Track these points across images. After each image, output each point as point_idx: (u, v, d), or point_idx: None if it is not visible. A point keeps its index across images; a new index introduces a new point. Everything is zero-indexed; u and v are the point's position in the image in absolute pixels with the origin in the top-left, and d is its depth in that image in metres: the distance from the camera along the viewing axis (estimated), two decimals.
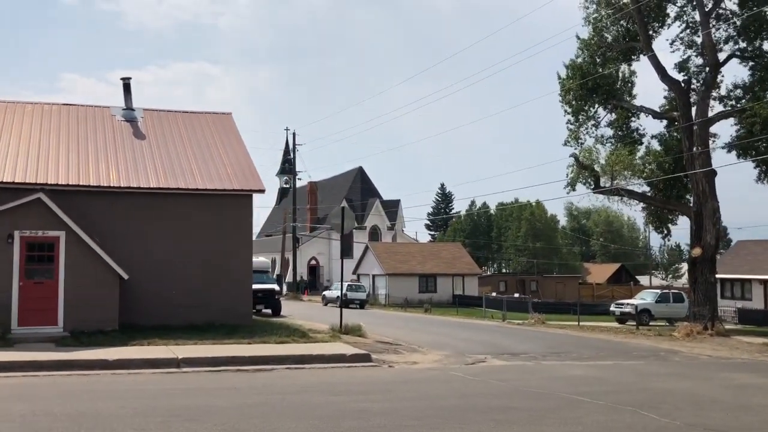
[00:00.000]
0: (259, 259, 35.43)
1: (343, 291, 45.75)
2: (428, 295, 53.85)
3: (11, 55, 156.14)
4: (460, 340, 21.53)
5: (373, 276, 56.52)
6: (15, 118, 20.82)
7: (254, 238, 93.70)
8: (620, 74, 31.57)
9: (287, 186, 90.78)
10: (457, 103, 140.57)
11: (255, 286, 31.46)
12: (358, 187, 71.62)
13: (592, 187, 29.00)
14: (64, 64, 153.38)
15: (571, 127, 31.70)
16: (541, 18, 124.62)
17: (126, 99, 22.74)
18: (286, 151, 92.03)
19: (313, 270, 69.98)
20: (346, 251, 69.79)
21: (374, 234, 70.14)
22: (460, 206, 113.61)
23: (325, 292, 50.75)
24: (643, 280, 79.84)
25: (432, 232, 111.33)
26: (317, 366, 14.92)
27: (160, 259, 19.30)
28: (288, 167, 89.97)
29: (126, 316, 18.40)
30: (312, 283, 67.67)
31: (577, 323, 30.25)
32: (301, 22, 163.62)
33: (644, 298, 37.27)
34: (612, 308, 37.70)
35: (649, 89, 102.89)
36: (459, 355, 17.59)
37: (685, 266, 55.67)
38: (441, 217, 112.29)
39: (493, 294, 46.44)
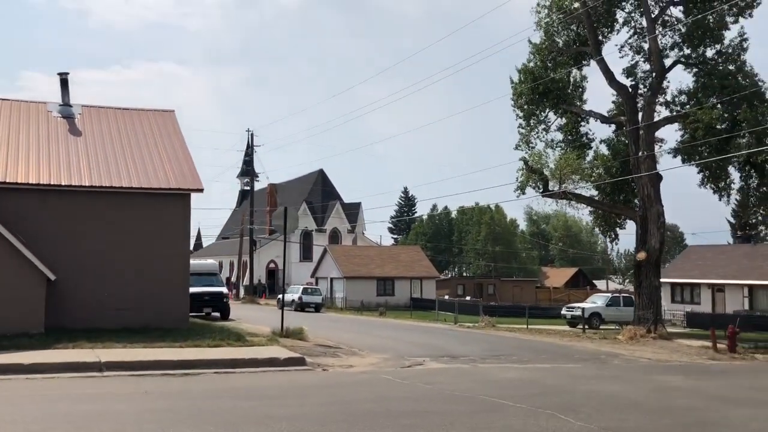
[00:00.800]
0: (208, 262, 34.82)
1: (299, 294, 45.60)
2: (386, 298, 53.65)
3: None
4: (403, 343, 21.30)
5: (332, 279, 56.11)
6: None
7: (213, 240, 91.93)
8: (572, 79, 31.73)
9: (248, 188, 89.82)
10: (422, 107, 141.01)
11: (202, 289, 31.15)
12: (319, 190, 71.08)
13: (540, 190, 29.07)
14: (25, 62, 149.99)
15: (522, 131, 31.75)
16: (504, 20, 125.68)
17: (63, 94, 22.10)
18: (247, 153, 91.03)
19: (272, 273, 69.21)
20: (305, 253, 69.34)
21: (334, 237, 69.68)
22: (423, 209, 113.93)
23: (280, 296, 50.15)
24: (601, 284, 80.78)
25: (395, 236, 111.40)
26: (248, 370, 14.51)
27: (93, 260, 18.71)
28: (246, 169, 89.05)
29: (56, 318, 17.79)
30: (271, 287, 66.92)
31: (526, 326, 30.27)
32: (269, 24, 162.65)
33: (595, 302, 37.56)
34: (563, 312, 37.93)
35: (602, 94, 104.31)
36: (398, 358, 17.34)
37: None
38: (404, 218, 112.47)
39: (446, 297, 46.39)
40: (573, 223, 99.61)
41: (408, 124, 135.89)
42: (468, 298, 48.89)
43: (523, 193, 30.48)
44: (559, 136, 31.31)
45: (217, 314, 30.40)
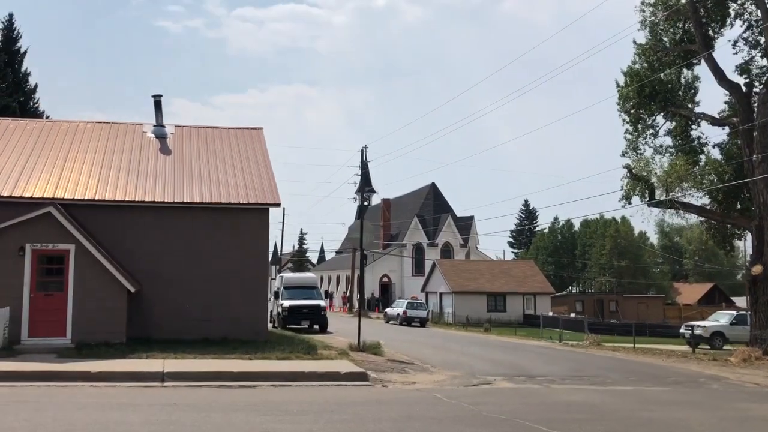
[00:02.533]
0: (307, 275, 35.45)
1: (403, 309, 45.44)
2: (497, 314, 52.29)
3: (126, 82, 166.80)
4: (484, 361, 20.46)
5: (441, 294, 55.52)
6: (48, 137, 21.66)
7: (334, 254, 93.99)
8: (682, 80, 29.62)
9: (365, 203, 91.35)
10: (546, 116, 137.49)
11: (301, 302, 31.79)
12: (431, 204, 70.83)
13: (647, 199, 27.17)
14: (173, 90, 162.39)
15: (629, 137, 29.96)
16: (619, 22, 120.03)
17: (157, 116, 23.22)
18: (364, 170, 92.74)
19: (386, 287, 69.60)
20: (417, 267, 69.13)
21: (446, 251, 69.04)
22: (544, 221, 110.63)
23: (387, 310, 50.29)
24: (741, 301, 74.50)
25: (515, 250, 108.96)
26: (304, 384, 14.38)
27: (176, 273, 19.38)
28: (361, 185, 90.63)
29: (140, 329, 18.57)
30: (384, 301, 67.32)
31: (633, 345, 28.26)
32: (396, 41, 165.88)
33: (717, 320, 34.61)
34: (682, 330, 35.24)
35: (717, 95, 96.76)
36: (469, 376, 16.63)
37: None
38: (524, 229, 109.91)
39: (551, 313, 44.47)
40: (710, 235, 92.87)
41: (527, 129, 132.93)
42: (573, 315, 46.65)
43: (629, 203, 28.73)
44: (669, 141, 29.22)
45: (317, 327, 30.86)
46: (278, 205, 20.32)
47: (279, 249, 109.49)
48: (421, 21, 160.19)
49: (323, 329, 30.91)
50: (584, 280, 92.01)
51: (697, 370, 20.24)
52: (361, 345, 20.24)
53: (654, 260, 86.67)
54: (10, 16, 43.66)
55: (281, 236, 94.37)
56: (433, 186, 73.22)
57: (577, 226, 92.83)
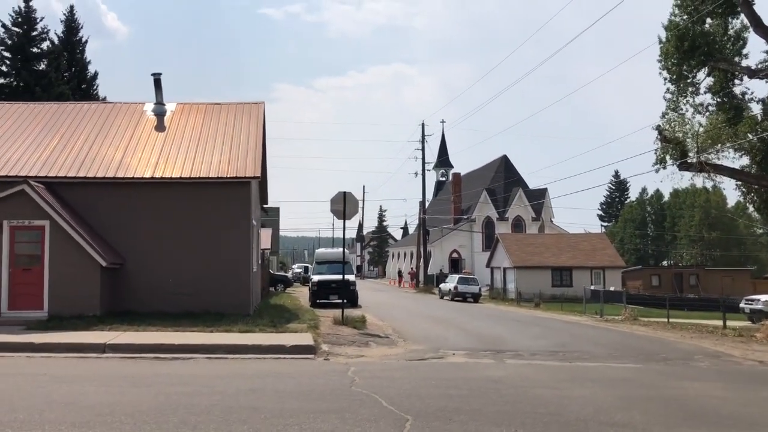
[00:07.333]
0: (337, 250, 35.23)
1: (455, 284, 44.55)
2: (563, 289, 50.33)
3: (229, 71, 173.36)
4: (468, 336, 19.61)
5: (504, 269, 54.03)
6: (51, 118, 22.47)
7: (410, 232, 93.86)
8: (730, 31, 27.00)
9: (443, 179, 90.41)
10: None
11: (329, 277, 31.65)
12: (501, 177, 68.87)
13: (677, 162, 25.03)
14: (275, 75, 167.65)
15: (669, 96, 27.71)
16: None
17: (156, 94, 23.57)
18: (442, 144, 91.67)
19: (455, 263, 68.63)
20: (487, 242, 67.63)
21: (518, 225, 67.08)
22: (635, 194, 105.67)
23: (440, 285, 49.51)
24: None
25: (605, 223, 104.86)
26: (243, 357, 14.21)
27: (160, 248, 19.67)
28: (441, 161, 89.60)
29: (122, 303, 19.07)
30: None
31: (666, 320, 26.31)
32: (494, 12, 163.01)
33: None
34: (741, 305, 32.45)
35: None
36: (428, 350, 15.93)
37: None
38: (615, 198, 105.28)
39: (592, 287, 42.17)
40: None
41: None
42: (611, 288, 44.13)
43: (664, 168, 26.61)
44: (709, 98, 26.74)
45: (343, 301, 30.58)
46: (257, 178, 20.17)
47: (362, 225, 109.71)
48: None
49: (353, 304, 30.65)
50: (673, 253, 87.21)
51: (705, 347, 18.48)
52: (344, 319, 19.89)
53: (752, 231, 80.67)
54: (71, 8, 45.83)
55: (362, 213, 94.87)
56: (504, 158, 71.16)
57: (667, 196, 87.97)
